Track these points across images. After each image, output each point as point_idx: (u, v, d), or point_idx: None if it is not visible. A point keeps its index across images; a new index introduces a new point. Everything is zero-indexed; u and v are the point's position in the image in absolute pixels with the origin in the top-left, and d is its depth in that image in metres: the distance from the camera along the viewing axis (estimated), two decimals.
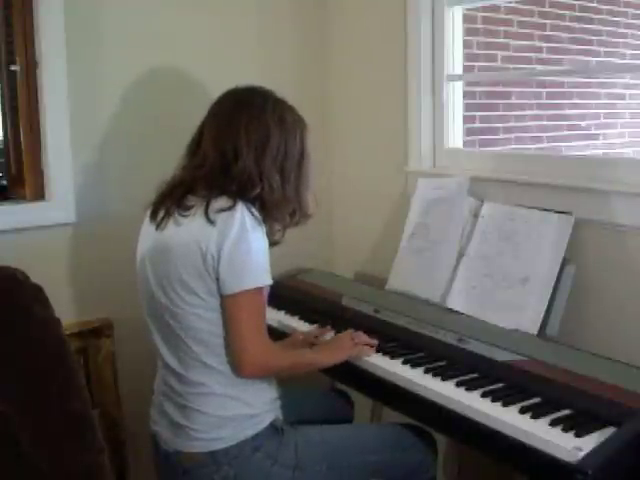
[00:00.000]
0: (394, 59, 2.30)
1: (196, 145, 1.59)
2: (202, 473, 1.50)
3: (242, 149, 1.52)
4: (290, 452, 1.54)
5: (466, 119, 2.41)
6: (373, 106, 2.43)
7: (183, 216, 1.50)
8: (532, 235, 1.80)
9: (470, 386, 1.51)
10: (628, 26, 4.25)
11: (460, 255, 1.95)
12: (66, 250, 2.08)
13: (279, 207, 1.57)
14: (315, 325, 1.94)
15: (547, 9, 3.78)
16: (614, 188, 1.74)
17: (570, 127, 4.00)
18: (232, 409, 1.51)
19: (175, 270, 1.49)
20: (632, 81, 4.27)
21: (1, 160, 2.20)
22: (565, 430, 1.30)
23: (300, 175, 1.60)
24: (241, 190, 1.51)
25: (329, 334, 1.85)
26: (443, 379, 1.55)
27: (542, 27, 3.75)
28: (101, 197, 2.11)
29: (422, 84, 2.24)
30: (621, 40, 4.22)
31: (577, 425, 1.31)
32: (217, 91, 1.63)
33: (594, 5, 4.07)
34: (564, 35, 3.87)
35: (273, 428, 1.55)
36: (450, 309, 1.91)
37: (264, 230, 1.51)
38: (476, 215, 1.96)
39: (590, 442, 1.26)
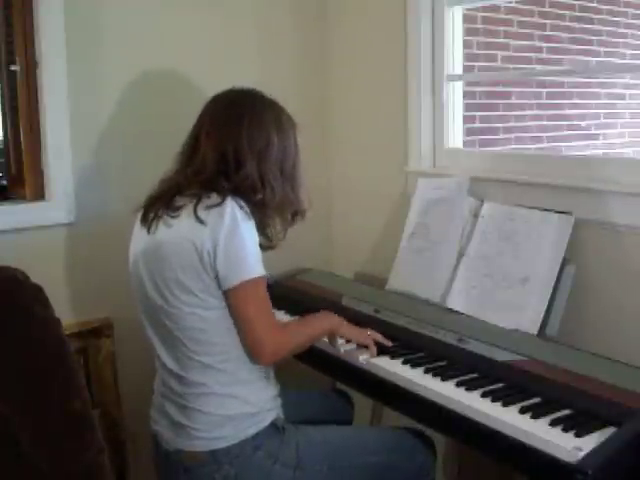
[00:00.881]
0: (394, 59, 2.30)
1: (192, 149, 1.57)
2: (203, 472, 1.50)
3: (245, 155, 1.52)
4: (291, 451, 1.54)
5: (466, 119, 2.41)
6: (373, 106, 2.43)
7: (172, 217, 1.50)
8: (532, 235, 1.80)
9: (470, 386, 1.50)
10: (628, 26, 4.25)
11: (460, 255, 1.95)
12: (66, 250, 2.08)
13: (282, 209, 1.58)
14: None
15: (547, 9, 3.78)
16: (614, 188, 1.74)
17: (570, 127, 4.00)
18: (233, 408, 1.51)
19: (170, 271, 1.49)
20: (632, 81, 4.27)
21: (1, 160, 2.20)
22: (565, 430, 1.30)
23: (296, 174, 1.61)
24: (238, 191, 1.51)
25: None
26: (443, 379, 1.55)
27: (542, 27, 3.75)
28: (101, 197, 2.11)
29: (422, 84, 2.24)
30: (621, 40, 4.22)
31: (577, 425, 1.31)
32: (216, 92, 1.63)
33: (594, 5, 4.07)
34: (564, 35, 3.87)
35: (274, 427, 1.55)
36: (450, 309, 1.91)
37: (253, 224, 1.51)
38: (476, 215, 1.96)
39: (590, 442, 1.26)
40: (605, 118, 4.20)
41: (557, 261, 1.74)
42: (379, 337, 1.72)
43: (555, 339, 1.73)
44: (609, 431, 1.29)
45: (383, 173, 2.41)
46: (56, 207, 2.04)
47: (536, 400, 1.43)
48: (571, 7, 3.93)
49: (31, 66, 1.99)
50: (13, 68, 2.01)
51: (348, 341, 1.74)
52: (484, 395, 1.46)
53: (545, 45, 3.76)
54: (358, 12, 2.44)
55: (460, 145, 2.32)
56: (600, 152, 4.12)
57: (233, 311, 1.49)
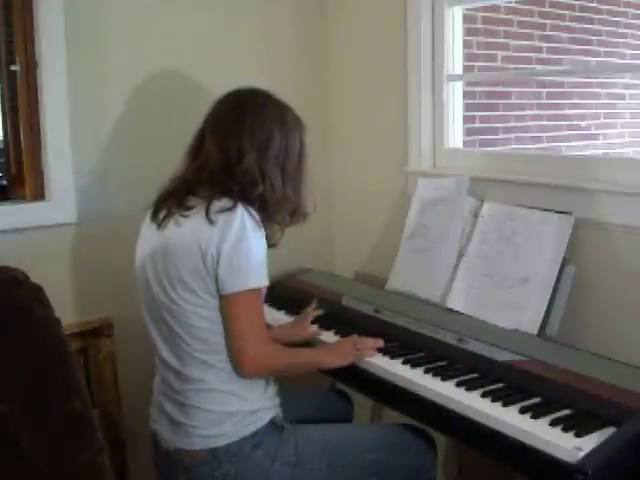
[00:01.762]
0: (394, 59, 2.30)
1: (198, 146, 1.59)
2: (203, 471, 1.51)
3: (246, 149, 1.53)
4: (290, 450, 1.54)
5: (466, 119, 2.41)
6: (373, 106, 2.43)
7: (184, 216, 1.51)
8: (532, 235, 1.80)
9: (470, 386, 1.51)
10: (628, 26, 4.25)
11: (460, 255, 1.95)
12: (66, 250, 2.08)
13: (279, 206, 1.58)
14: (315, 325, 1.93)
15: (547, 9, 3.78)
16: (614, 188, 1.74)
17: (570, 127, 4.00)
18: (231, 405, 1.52)
19: (175, 269, 1.49)
20: (632, 81, 4.26)
21: (1, 160, 2.20)
22: (565, 430, 1.30)
23: (300, 174, 1.61)
24: (243, 190, 1.52)
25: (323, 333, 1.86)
26: (443, 379, 1.55)
27: (542, 27, 3.75)
28: (101, 197, 2.11)
29: (422, 84, 2.24)
30: (621, 40, 4.22)
31: (577, 425, 1.31)
32: (216, 91, 1.64)
33: (594, 5, 4.07)
34: (564, 35, 3.87)
35: (273, 425, 1.55)
36: (450, 309, 1.91)
37: (263, 233, 1.52)
38: (476, 215, 1.96)
39: (590, 442, 1.26)
40: (605, 118, 4.20)
41: (557, 261, 1.74)
42: (368, 343, 1.71)
43: (555, 339, 1.73)
44: (609, 431, 1.29)
45: (383, 173, 2.41)
46: (56, 207, 2.04)
47: (536, 400, 1.44)
48: (571, 7, 3.93)
49: (31, 66, 1.99)
50: (13, 68, 2.01)
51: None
52: (484, 395, 1.46)
53: (545, 45, 3.76)
54: (358, 12, 2.44)
55: (460, 145, 2.32)
56: (600, 152, 4.12)
57: (224, 317, 1.50)
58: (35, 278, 1.34)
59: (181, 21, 2.22)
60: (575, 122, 4.03)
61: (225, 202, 1.49)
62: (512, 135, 3.64)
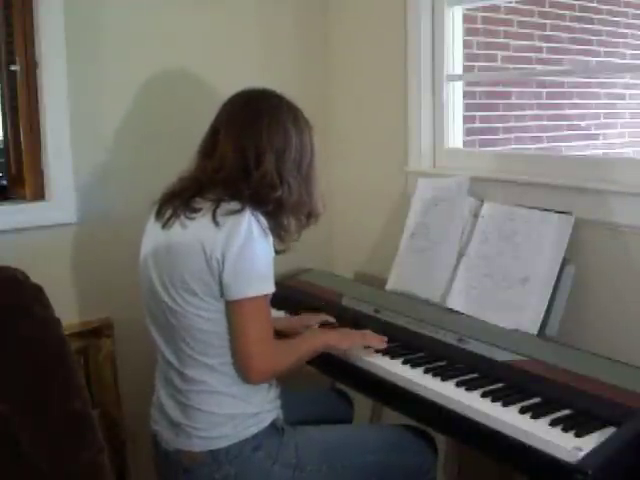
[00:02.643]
0: (394, 59, 2.30)
1: (211, 147, 1.56)
2: (203, 472, 1.50)
3: (264, 150, 1.51)
4: (290, 452, 1.54)
5: (466, 119, 2.41)
6: (373, 106, 2.43)
7: (190, 218, 1.49)
8: (532, 235, 1.80)
9: (470, 386, 1.50)
10: (628, 26, 4.25)
11: (460, 255, 1.95)
12: (66, 250, 2.08)
13: (297, 209, 1.58)
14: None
15: (547, 9, 3.78)
16: (614, 188, 1.74)
17: (570, 127, 4.00)
18: (232, 407, 1.51)
19: (178, 270, 1.49)
20: (632, 81, 4.27)
21: (1, 160, 2.20)
22: (565, 430, 1.30)
23: (312, 175, 1.61)
24: (257, 194, 1.50)
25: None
26: (443, 379, 1.55)
27: (542, 27, 3.75)
28: (101, 197, 2.11)
29: (422, 84, 2.24)
30: (621, 40, 4.22)
31: (577, 425, 1.31)
32: (218, 91, 1.64)
33: (594, 5, 4.07)
34: (564, 35, 3.87)
35: (274, 428, 1.55)
36: (450, 309, 1.91)
37: (270, 239, 1.51)
38: (476, 215, 1.96)
39: (590, 442, 1.26)
40: (605, 118, 4.20)
41: (557, 261, 1.74)
42: (375, 337, 1.72)
43: (555, 339, 1.73)
44: (609, 431, 1.29)
45: (383, 173, 2.41)
46: (56, 207, 2.04)
47: (536, 400, 1.44)
48: (571, 7, 3.93)
49: (31, 66, 1.99)
50: (13, 68, 2.01)
51: None
52: (484, 395, 1.46)
53: (545, 45, 3.76)
54: (358, 12, 2.44)
55: (460, 145, 2.32)
56: (600, 152, 4.12)
57: (230, 323, 1.49)
58: (35, 278, 1.34)
59: (182, 21, 2.22)
60: (575, 122, 4.03)
61: (233, 205, 1.47)
62: (512, 135, 3.64)
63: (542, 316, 1.72)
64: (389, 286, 2.12)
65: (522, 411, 1.39)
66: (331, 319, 1.91)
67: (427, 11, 2.22)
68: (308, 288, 2.22)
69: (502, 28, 3.53)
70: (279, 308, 2.06)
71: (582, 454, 1.22)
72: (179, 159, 1.60)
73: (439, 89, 2.25)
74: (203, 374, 1.51)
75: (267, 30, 2.42)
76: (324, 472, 1.57)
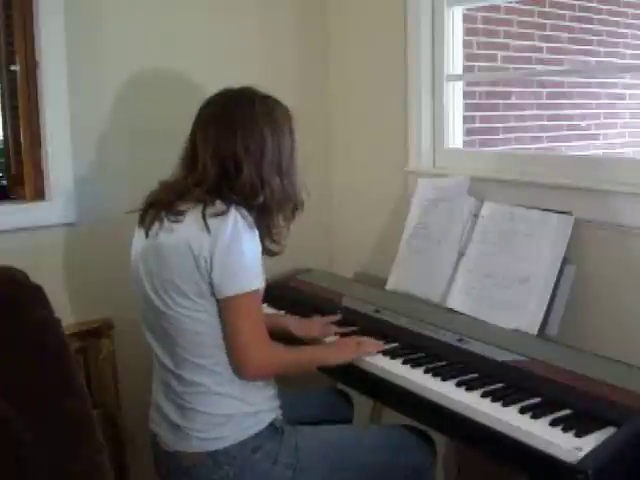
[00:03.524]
0: (394, 59, 2.30)
1: (191, 158, 1.57)
2: (202, 473, 1.50)
3: (242, 160, 1.52)
4: (290, 452, 1.54)
5: (466, 119, 2.41)
6: (373, 106, 2.43)
7: (175, 221, 1.49)
8: (532, 235, 1.80)
9: (470, 386, 1.50)
10: (628, 26, 4.25)
11: (460, 255, 1.95)
12: (66, 250, 2.08)
13: (282, 206, 1.59)
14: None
15: (547, 9, 3.78)
16: (614, 188, 1.74)
17: (570, 127, 4.00)
18: (230, 407, 1.51)
19: (168, 273, 1.49)
20: (632, 81, 4.26)
21: (1, 160, 2.20)
22: (565, 430, 1.30)
23: (293, 167, 1.61)
24: (243, 199, 1.51)
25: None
26: (443, 379, 1.55)
27: (542, 27, 3.75)
28: (101, 197, 2.11)
29: (422, 84, 2.24)
30: (621, 40, 4.22)
31: (577, 425, 1.31)
32: (217, 91, 1.63)
33: (594, 5, 4.07)
34: (564, 35, 3.87)
35: (273, 428, 1.55)
36: (450, 309, 1.91)
37: (256, 233, 1.52)
38: (476, 215, 1.96)
39: (590, 442, 1.26)
40: (605, 118, 4.20)
41: (557, 261, 1.74)
42: (371, 342, 1.72)
43: (555, 339, 1.72)
44: (609, 431, 1.29)
45: (383, 173, 2.40)
46: (56, 207, 2.04)
47: (536, 400, 1.43)
48: (571, 7, 3.93)
49: (31, 66, 1.99)
50: (13, 68, 2.01)
51: None
52: (484, 395, 1.46)
53: (545, 45, 3.76)
54: (358, 12, 2.44)
55: (460, 145, 2.32)
56: (600, 152, 4.12)
57: (223, 320, 1.50)
58: (35, 278, 1.34)
59: (182, 21, 2.21)
60: (575, 122, 4.03)
61: (219, 206, 1.48)
62: (512, 135, 3.64)
63: (542, 316, 1.72)
64: (389, 286, 2.12)
65: (522, 411, 1.39)
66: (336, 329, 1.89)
67: (427, 11, 2.22)
68: (308, 288, 2.22)
69: (502, 28, 3.52)
70: (279, 308, 2.07)
71: (582, 454, 1.22)
72: (173, 170, 1.60)
73: (439, 89, 2.25)
74: (198, 375, 1.51)
75: (267, 30, 2.42)
76: (324, 473, 1.57)
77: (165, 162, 1.59)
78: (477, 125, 3.41)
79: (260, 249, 1.53)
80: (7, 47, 2.05)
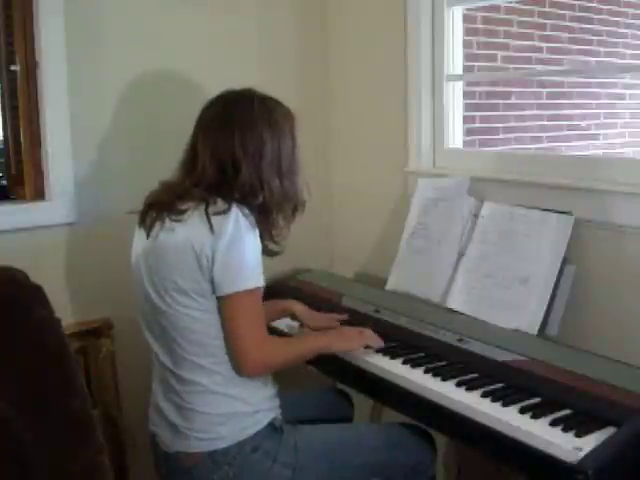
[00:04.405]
0: (394, 59, 2.30)
1: (191, 161, 1.57)
2: (202, 473, 1.50)
3: (240, 161, 1.52)
4: (290, 452, 1.54)
5: (466, 119, 2.41)
6: (373, 106, 2.43)
7: (175, 220, 1.50)
8: (532, 235, 1.80)
9: (470, 386, 1.51)
10: (628, 26, 4.25)
11: (460, 255, 1.95)
12: (66, 250, 2.08)
13: (282, 207, 1.59)
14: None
15: (547, 9, 3.78)
16: (614, 188, 1.74)
17: (570, 127, 4.00)
18: (229, 407, 1.51)
19: (168, 272, 1.49)
20: (632, 81, 4.26)
21: (1, 160, 2.20)
22: (565, 430, 1.30)
23: (294, 168, 1.61)
24: (242, 199, 1.52)
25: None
26: (443, 379, 1.55)
27: (542, 27, 3.75)
28: (101, 197, 2.11)
29: (422, 84, 2.24)
30: (621, 40, 4.22)
31: (577, 425, 1.31)
32: (218, 92, 1.63)
33: (594, 5, 4.07)
34: (564, 35, 3.87)
35: (272, 427, 1.55)
36: (450, 309, 1.91)
37: (257, 232, 1.52)
38: (476, 215, 1.96)
39: (590, 442, 1.26)
40: (605, 118, 4.20)
41: (557, 261, 1.74)
42: (372, 335, 1.72)
43: (555, 339, 1.73)
44: (609, 431, 1.29)
45: (383, 173, 2.40)
46: (56, 207, 2.04)
47: (536, 400, 1.44)
48: (571, 7, 3.93)
49: (31, 66, 1.99)
50: (13, 68, 2.01)
51: None
52: (484, 395, 1.47)
53: (545, 45, 3.76)
54: (358, 12, 2.44)
55: (460, 145, 2.32)
56: (600, 152, 4.12)
57: (223, 318, 1.50)
58: (35, 278, 1.34)
59: (181, 22, 2.21)
60: (575, 122, 4.03)
61: (220, 204, 1.49)
62: (512, 135, 3.64)
63: (542, 316, 1.72)
64: (389, 286, 2.12)
65: (522, 411, 1.39)
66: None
67: (427, 11, 2.22)
68: (308, 288, 2.22)
69: (502, 28, 3.52)
70: None
71: (582, 454, 1.22)
72: (179, 160, 1.60)
73: (439, 89, 2.25)
74: (197, 375, 1.51)
75: (267, 30, 2.42)
76: (324, 472, 1.57)
77: (165, 162, 1.59)
78: (477, 125, 3.41)
79: (260, 248, 1.53)
80: (7, 47, 2.05)
